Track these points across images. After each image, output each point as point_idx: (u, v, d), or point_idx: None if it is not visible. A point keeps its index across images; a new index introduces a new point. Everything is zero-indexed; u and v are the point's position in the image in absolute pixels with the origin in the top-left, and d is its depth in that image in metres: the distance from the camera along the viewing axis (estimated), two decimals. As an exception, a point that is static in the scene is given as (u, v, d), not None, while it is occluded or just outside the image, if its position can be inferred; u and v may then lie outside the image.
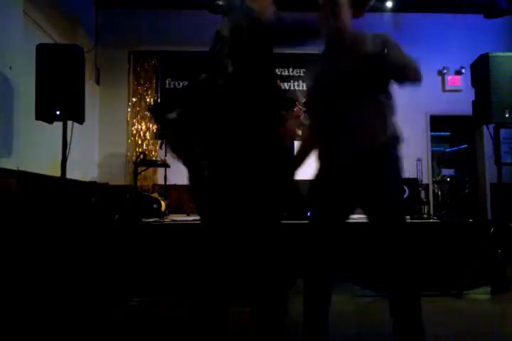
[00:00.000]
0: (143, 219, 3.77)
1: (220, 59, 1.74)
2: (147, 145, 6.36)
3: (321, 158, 1.92)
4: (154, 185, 6.18)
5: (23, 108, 3.49)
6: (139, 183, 5.63)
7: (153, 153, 6.32)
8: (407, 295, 1.76)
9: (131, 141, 6.34)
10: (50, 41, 4.39)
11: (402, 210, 1.82)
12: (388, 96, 1.86)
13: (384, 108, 1.82)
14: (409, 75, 1.76)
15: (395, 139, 1.84)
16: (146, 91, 6.44)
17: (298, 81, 6.58)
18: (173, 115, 1.78)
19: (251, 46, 1.71)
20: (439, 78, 6.52)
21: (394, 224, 1.78)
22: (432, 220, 3.70)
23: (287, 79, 6.44)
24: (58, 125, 3.29)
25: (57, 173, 3.30)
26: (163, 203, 4.77)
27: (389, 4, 5.89)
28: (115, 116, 6.30)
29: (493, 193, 6.27)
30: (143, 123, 6.40)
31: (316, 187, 1.90)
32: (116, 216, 3.94)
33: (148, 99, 6.43)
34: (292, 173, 1.89)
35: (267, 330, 1.69)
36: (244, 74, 1.71)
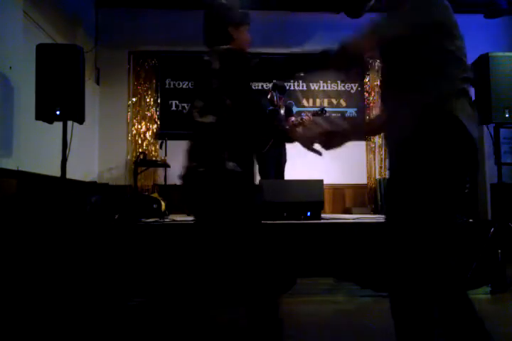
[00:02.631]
0: (143, 219, 3.76)
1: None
2: (147, 145, 6.36)
3: None
4: (154, 185, 6.18)
5: (23, 108, 3.49)
6: (139, 183, 5.64)
7: (153, 153, 6.32)
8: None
9: (131, 141, 6.34)
10: (50, 41, 4.39)
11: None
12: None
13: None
14: None
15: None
16: (146, 91, 6.44)
17: (298, 81, 6.58)
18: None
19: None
20: (439, 78, 6.52)
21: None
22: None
23: (288, 79, 6.43)
24: (58, 125, 3.30)
25: (57, 173, 3.30)
26: (163, 203, 4.76)
27: (389, 4, 5.88)
28: (115, 116, 6.30)
29: (493, 193, 6.26)
30: (143, 123, 6.39)
31: None
32: (116, 216, 3.93)
33: (148, 99, 6.43)
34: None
35: (261, 329, 1.73)
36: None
